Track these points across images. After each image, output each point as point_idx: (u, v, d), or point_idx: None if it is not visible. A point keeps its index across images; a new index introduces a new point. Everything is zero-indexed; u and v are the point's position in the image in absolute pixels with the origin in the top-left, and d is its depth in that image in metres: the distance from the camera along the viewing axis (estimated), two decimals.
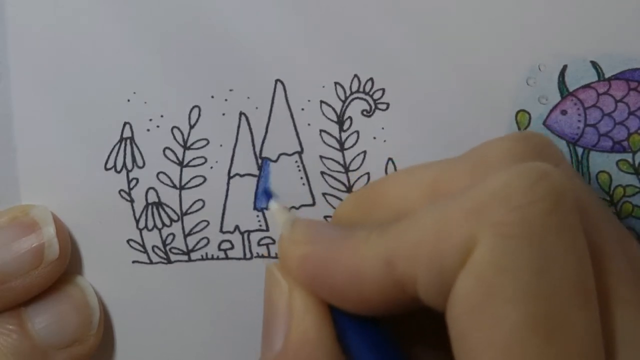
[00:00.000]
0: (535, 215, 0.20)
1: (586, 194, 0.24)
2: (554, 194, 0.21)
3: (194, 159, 0.31)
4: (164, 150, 0.31)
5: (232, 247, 0.32)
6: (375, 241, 0.23)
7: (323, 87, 0.31)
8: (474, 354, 0.20)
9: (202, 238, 0.31)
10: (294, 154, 0.31)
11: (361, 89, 0.30)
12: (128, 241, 0.31)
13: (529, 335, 0.20)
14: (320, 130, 0.31)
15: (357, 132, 0.31)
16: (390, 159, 0.31)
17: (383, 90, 0.30)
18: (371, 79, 0.30)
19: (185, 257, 0.32)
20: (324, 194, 0.31)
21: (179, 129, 0.31)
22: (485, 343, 0.20)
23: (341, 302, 0.24)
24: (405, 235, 0.22)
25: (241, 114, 0.31)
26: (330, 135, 0.31)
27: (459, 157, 0.25)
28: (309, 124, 0.31)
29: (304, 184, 0.31)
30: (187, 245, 0.32)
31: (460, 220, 0.21)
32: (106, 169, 0.31)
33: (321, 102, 0.31)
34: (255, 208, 0.31)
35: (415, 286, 0.22)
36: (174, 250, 0.32)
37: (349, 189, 0.31)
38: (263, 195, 0.30)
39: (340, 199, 0.31)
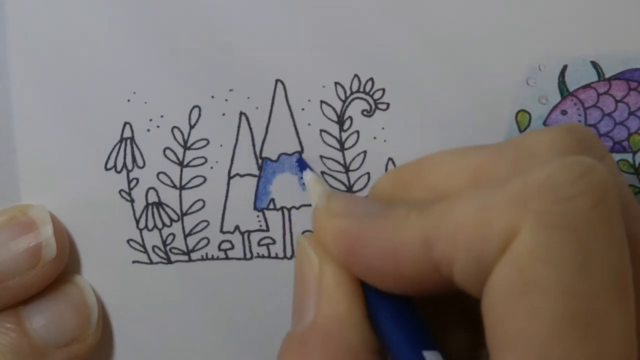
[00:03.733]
0: (579, 209, 0.20)
1: (627, 190, 0.24)
2: (598, 189, 0.21)
3: (194, 159, 0.31)
4: (164, 150, 0.31)
5: (232, 247, 0.31)
6: (414, 220, 0.22)
7: (323, 87, 0.31)
8: (509, 344, 0.20)
9: (202, 238, 0.31)
10: (294, 153, 0.31)
11: (361, 89, 0.30)
12: (128, 241, 0.31)
13: (567, 329, 0.19)
14: (321, 130, 0.31)
15: (357, 132, 0.31)
16: (390, 158, 0.31)
17: (383, 90, 0.30)
18: (371, 79, 0.30)
19: (186, 257, 0.31)
20: None
21: (179, 129, 0.31)
22: (521, 334, 0.20)
23: (374, 278, 0.23)
24: (446, 217, 0.22)
25: (241, 114, 0.31)
26: (331, 135, 0.31)
27: (503, 144, 0.24)
28: (309, 124, 0.31)
29: (304, 184, 0.31)
30: (187, 246, 0.31)
31: (503, 207, 0.21)
32: (106, 169, 0.31)
33: (321, 102, 0.31)
34: (255, 208, 0.31)
35: (451, 269, 0.22)
36: (174, 250, 0.31)
37: (349, 189, 0.31)
38: (298, 165, 0.30)
39: None
